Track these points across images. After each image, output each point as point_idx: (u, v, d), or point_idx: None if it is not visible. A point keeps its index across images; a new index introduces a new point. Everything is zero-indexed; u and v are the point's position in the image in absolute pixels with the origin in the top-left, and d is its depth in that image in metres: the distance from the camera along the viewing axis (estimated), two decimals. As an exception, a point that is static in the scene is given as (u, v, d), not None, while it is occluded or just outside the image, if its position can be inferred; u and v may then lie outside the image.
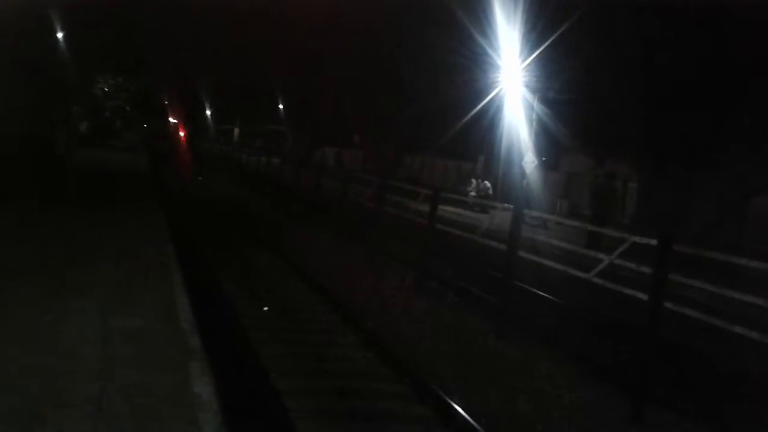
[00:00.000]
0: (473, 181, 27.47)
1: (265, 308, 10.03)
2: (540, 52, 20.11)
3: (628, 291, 8.62)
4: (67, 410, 3.74)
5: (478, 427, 6.27)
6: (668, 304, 7.50)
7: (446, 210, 18.76)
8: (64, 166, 21.67)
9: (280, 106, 54.85)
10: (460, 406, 6.64)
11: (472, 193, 25.59)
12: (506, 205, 15.75)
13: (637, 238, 9.02)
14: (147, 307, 5.89)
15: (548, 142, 24.97)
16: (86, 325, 5.21)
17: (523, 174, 22.98)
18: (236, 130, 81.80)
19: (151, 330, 5.24)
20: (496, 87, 23.72)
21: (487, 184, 26.85)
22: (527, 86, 22.71)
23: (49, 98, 23.47)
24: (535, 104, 23.25)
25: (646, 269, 8.13)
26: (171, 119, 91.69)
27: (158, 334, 5.16)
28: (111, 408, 3.81)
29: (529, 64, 21.38)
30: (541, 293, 10.72)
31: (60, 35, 31.03)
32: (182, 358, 4.61)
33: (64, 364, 4.42)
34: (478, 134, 28.52)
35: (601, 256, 10.11)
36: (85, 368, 4.35)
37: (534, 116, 23.36)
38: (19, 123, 16.20)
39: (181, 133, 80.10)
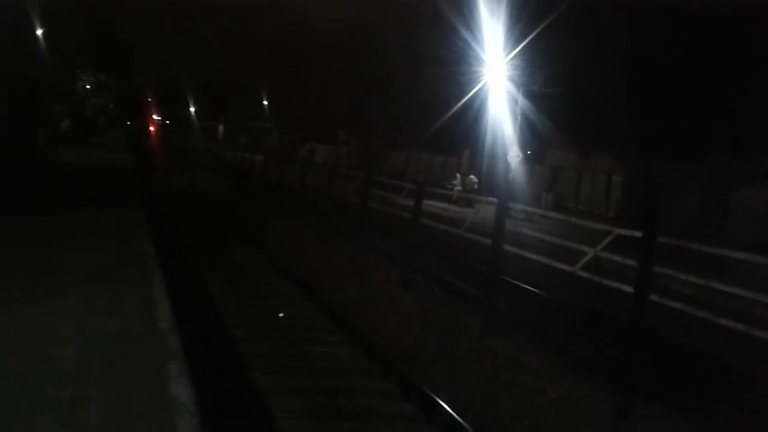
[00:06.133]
0: (458, 175, 27.46)
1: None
2: (524, 46, 20.10)
3: (614, 284, 8.60)
4: (37, 415, 3.62)
5: (463, 422, 6.21)
6: (654, 297, 7.48)
7: (432, 205, 18.71)
8: (46, 165, 21.38)
9: (265, 103, 54.61)
10: (446, 402, 6.58)
11: (458, 188, 25.56)
12: (490, 198, 15.70)
13: (622, 231, 9.00)
14: (126, 307, 5.77)
15: (533, 137, 25.01)
16: (62, 326, 5.08)
17: (508, 168, 23.01)
18: (221, 127, 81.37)
19: (129, 331, 5.13)
20: (481, 81, 23.69)
21: (473, 178, 26.86)
22: (511, 80, 22.71)
23: (30, 97, 23.12)
24: (519, 98, 23.25)
25: (631, 262, 8.11)
26: (155, 116, 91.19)
27: (136, 335, 5.05)
28: (84, 412, 3.70)
29: (513, 58, 21.36)
30: (526, 287, 10.69)
31: (39, 32, 30.65)
32: (160, 360, 4.50)
33: (37, 366, 4.30)
34: (463, 129, 28.52)
35: (585, 248, 10.09)
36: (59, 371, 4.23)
37: (518, 110, 23.37)
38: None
39: (151, 128, 79.78)
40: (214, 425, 3.90)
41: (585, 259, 9.75)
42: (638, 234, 7.42)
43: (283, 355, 8.01)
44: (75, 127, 35.35)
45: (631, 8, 15.93)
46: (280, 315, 9.83)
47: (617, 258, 8.91)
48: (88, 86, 52.44)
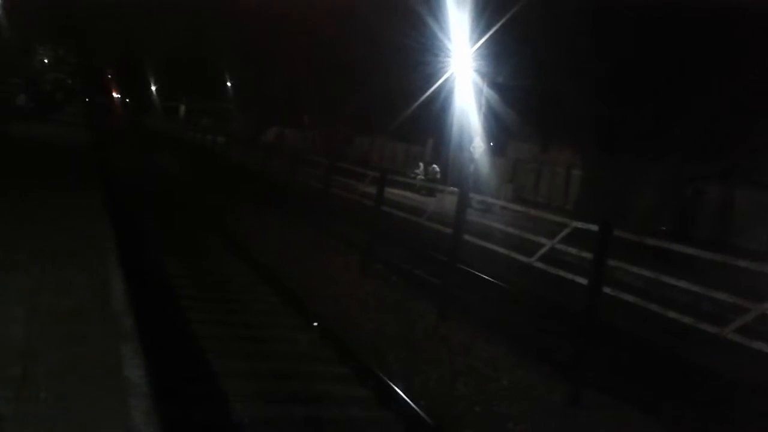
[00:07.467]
0: (421, 164, 27.56)
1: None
2: (489, 37, 20.18)
3: (569, 275, 8.77)
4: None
5: (417, 408, 6.29)
6: (607, 289, 7.65)
7: (394, 193, 18.75)
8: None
9: (228, 84, 53.82)
10: (401, 389, 6.65)
11: (420, 177, 25.67)
12: (452, 188, 15.83)
13: (579, 224, 9.17)
14: (80, 287, 5.68)
15: (497, 128, 25.20)
16: (13, 304, 4.99)
17: (471, 158, 23.16)
18: (182, 108, 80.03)
19: (82, 311, 5.06)
20: (447, 71, 23.72)
21: (436, 167, 26.98)
22: (477, 71, 22.78)
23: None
24: (485, 89, 23.36)
25: (587, 254, 8.29)
26: (114, 94, 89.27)
27: (90, 315, 4.98)
28: (34, 391, 3.65)
29: (479, 49, 21.43)
30: (484, 276, 10.84)
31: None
32: (114, 341, 4.46)
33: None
34: (428, 118, 28.57)
35: (543, 240, 10.26)
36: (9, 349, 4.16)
37: (483, 101, 23.49)
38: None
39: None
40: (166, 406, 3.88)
41: (542, 251, 9.92)
42: (594, 227, 7.57)
43: (239, 339, 7.98)
44: (31, 102, 34.40)
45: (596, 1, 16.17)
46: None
47: (573, 250, 9.08)
48: (46, 60, 51.09)
